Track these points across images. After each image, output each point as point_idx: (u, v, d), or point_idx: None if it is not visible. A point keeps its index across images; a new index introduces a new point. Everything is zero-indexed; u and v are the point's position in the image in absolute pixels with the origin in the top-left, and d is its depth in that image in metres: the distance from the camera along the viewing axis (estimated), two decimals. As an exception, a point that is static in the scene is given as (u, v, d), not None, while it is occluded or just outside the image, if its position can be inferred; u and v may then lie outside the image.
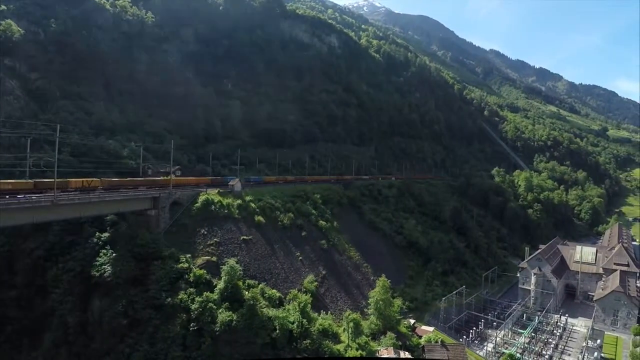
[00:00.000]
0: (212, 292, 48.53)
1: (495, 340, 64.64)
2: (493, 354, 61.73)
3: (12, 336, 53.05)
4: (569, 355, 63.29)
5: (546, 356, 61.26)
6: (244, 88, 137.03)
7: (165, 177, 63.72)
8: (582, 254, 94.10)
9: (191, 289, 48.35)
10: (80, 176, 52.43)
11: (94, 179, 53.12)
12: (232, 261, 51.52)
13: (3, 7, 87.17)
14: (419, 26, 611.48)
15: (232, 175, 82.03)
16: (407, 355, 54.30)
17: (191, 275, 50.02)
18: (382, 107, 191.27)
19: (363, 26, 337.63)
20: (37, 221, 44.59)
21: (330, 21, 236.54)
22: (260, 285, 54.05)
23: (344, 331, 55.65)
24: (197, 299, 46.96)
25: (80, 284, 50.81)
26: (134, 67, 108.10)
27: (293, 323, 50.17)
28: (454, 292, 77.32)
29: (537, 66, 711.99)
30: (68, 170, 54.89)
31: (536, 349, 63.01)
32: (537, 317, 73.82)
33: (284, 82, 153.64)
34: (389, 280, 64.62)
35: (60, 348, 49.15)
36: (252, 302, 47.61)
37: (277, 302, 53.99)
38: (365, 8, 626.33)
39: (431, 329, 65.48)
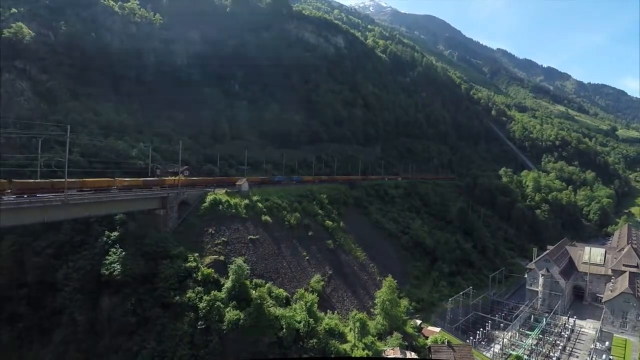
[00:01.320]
0: (219, 291, 49.02)
1: (503, 342, 64.30)
2: (500, 355, 61.44)
3: (22, 333, 53.76)
4: (577, 357, 62.82)
5: (554, 358, 60.86)
6: (251, 89, 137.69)
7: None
8: (590, 255, 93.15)
9: (199, 288, 48.86)
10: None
11: (182, 177, 65.04)
12: (239, 260, 51.99)
13: (14, 10, 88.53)
14: (425, 26, 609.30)
15: (239, 175, 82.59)
16: (414, 355, 54.31)
17: (199, 274, 50.53)
18: (388, 107, 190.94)
19: (369, 26, 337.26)
20: (48, 220, 45.27)
21: (336, 22, 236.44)
22: (267, 285, 54.42)
23: (350, 331, 55.80)
24: (204, 297, 47.44)
25: (90, 282, 51.41)
26: (142, 69, 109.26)
27: (300, 322, 50.43)
28: (461, 293, 77.02)
29: (545, 65, 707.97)
30: (78, 171, 55.69)
31: (544, 350, 62.68)
32: (544, 319, 73.28)
33: (290, 82, 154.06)
34: (395, 281, 64.81)
35: (70, 345, 49.78)
36: (259, 301, 47.98)
37: (284, 301, 54.33)
38: (371, 8, 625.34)
39: (438, 329, 65.33)
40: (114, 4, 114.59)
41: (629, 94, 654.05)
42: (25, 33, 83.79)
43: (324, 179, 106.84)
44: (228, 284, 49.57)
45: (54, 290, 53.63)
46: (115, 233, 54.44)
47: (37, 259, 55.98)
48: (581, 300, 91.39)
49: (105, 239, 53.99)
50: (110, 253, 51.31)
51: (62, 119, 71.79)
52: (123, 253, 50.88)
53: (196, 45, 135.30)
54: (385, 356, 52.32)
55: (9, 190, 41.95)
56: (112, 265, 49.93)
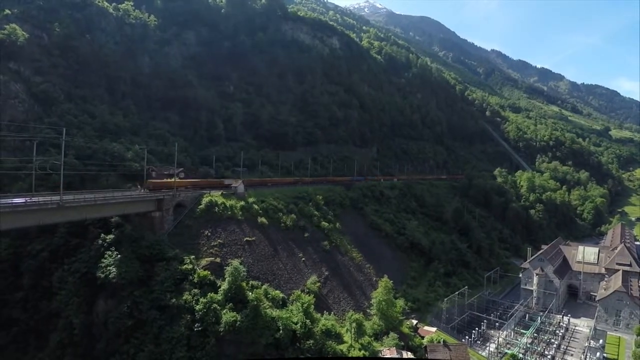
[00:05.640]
0: (216, 293, 49.05)
1: (498, 341, 64.82)
2: (495, 354, 61.89)
3: (18, 337, 53.53)
4: (572, 355, 63.42)
5: (549, 356, 61.41)
6: (246, 90, 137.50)
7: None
8: (584, 254, 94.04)
9: (195, 290, 48.88)
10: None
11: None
12: (235, 262, 52.07)
13: (7, 11, 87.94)
14: (420, 27, 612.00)
15: (233, 176, 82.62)
16: (410, 355, 54.61)
17: (195, 276, 50.54)
18: (384, 108, 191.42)
19: (364, 27, 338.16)
20: (43, 223, 45.19)
21: (331, 23, 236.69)
22: (264, 286, 54.54)
23: (346, 331, 56.01)
24: (201, 299, 47.45)
25: (86, 285, 51.32)
26: (137, 70, 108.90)
27: (296, 323, 50.60)
28: (456, 293, 77.51)
29: (538, 66, 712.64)
30: (73, 173, 55.53)
31: (539, 349, 63.21)
32: (539, 318, 73.93)
33: (286, 83, 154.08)
34: (392, 281, 65.01)
35: (66, 349, 49.62)
36: (255, 302, 48.12)
37: (281, 302, 54.49)
38: (366, 9, 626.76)
39: (433, 329, 65.73)
40: (108, 5, 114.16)
41: (621, 94, 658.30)
42: (19, 34, 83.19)
43: (387, 178, 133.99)
44: (224, 285, 49.62)
45: (50, 293, 53.54)
46: (111, 236, 54.34)
47: (33, 262, 55.82)
48: (575, 298, 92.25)
49: (100, 241, 53.88)
50: (106, 256, 51.21)
51: (57, 121, 71.46)
52: (119, 256, 50.79)
53: (191, 46, 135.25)
54: (382, 356, 52.61)
55: None
56: (108, 268, 49.84)
